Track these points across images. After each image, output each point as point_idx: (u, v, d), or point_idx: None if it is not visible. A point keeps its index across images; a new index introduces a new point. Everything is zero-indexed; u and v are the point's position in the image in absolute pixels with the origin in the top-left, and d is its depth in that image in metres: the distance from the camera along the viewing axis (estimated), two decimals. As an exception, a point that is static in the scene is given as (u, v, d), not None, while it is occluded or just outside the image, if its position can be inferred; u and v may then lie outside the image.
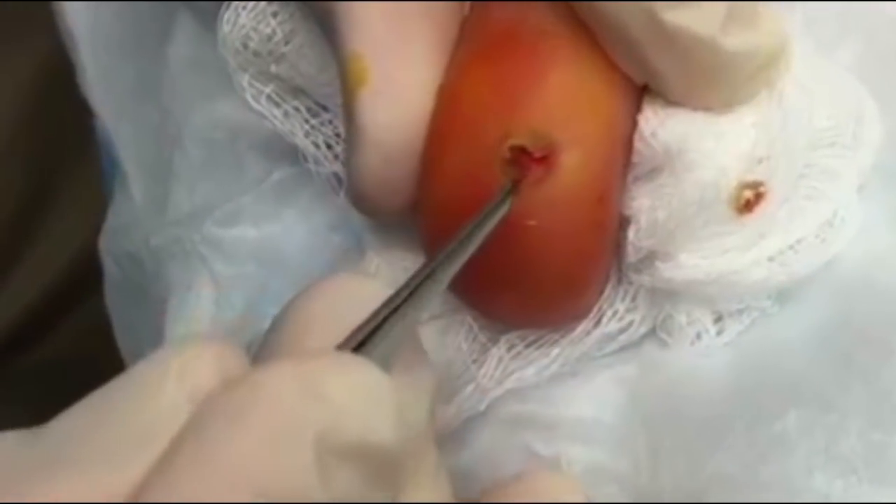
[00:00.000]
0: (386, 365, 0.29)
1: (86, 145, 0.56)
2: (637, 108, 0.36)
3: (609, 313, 0.38)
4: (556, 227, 0.34)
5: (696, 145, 0.35)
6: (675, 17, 0.33)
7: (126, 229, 0.49)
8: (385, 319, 0.30)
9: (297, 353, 0.29)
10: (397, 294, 0.30)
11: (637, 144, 0.36)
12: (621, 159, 0.36)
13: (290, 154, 0.43)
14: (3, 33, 0.61)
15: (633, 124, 0.36)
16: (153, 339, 0.46)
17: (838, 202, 0.37)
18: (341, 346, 0.29)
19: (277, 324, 0.31)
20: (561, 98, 0.34)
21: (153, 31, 0.48)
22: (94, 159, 0.55)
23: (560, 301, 0.36)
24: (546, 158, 0.34)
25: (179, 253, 0.46)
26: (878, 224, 0.38)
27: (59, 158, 0.66)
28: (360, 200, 0.37)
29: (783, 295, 0.38)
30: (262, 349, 0.31)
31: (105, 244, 0.51)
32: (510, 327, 0.38)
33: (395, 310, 0.30)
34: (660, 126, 0.36)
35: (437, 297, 0.32)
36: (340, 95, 0.36)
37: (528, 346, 0.38)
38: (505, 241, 0.34)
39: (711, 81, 0.35)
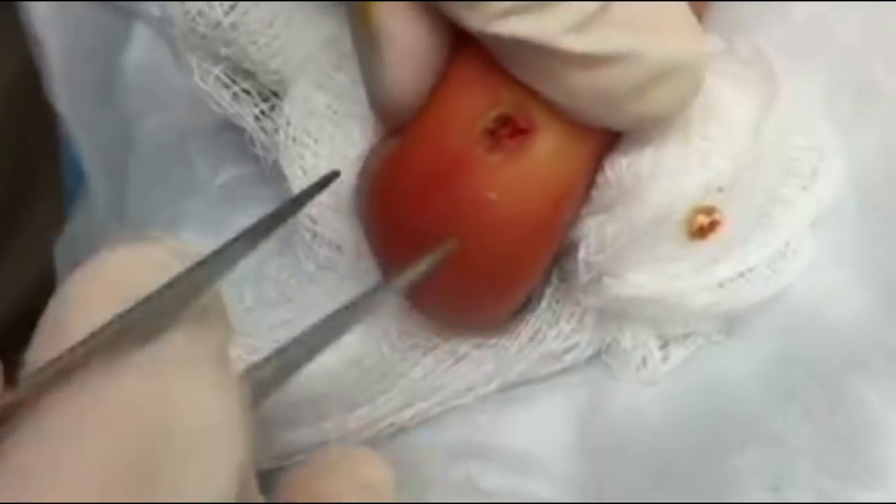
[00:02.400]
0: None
1: (55, 158, 0.56)
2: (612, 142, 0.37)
3: (552, 333, 0.38)
4: (512, 208, 0.35)
5: (654, 182, 0.36)
6: (506, 26, 0.33)
7: (82, 236, 0.50)
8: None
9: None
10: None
11: (599, 179, 0.37)
12: (584, 181, 0.36)
13: (240, 156, 0.43)
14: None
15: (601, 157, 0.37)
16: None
17: (791, 233, 0.37)
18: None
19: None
20: None
21: (112, 39, 0.48)
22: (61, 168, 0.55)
23: (489, 291, 0.36)
24: (525, 132, 0.35)
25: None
26: (826, 261, 0.38)
27: (29, 171, 0.66)
28: (392, 111, 0.36)
29: (729, 324, 0.38)
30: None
31: (60, 252, 0.51)
32: (430, 318, 0.38)
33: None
34: (626, 160, 0.36)
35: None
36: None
37: (457, 361, 0.38)
38: (459, 209, 0.34)
39: (582, 95, 0.34)
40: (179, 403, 0.26)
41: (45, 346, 0.27)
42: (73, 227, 0.50)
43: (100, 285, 0.28)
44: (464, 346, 0.39)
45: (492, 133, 0.35)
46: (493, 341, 0.39)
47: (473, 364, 0.38)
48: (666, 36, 0.34)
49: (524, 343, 0.38)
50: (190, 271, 0.28)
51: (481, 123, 0.35)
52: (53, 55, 0.50)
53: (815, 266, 0.38)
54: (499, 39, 0.34)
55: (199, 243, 0.30)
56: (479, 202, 0.34)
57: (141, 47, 0.48)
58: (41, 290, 0.65)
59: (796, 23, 0.40)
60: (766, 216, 0.37)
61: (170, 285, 0.27)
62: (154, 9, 0.47)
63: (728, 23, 0.40)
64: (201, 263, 0.28)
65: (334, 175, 0.35)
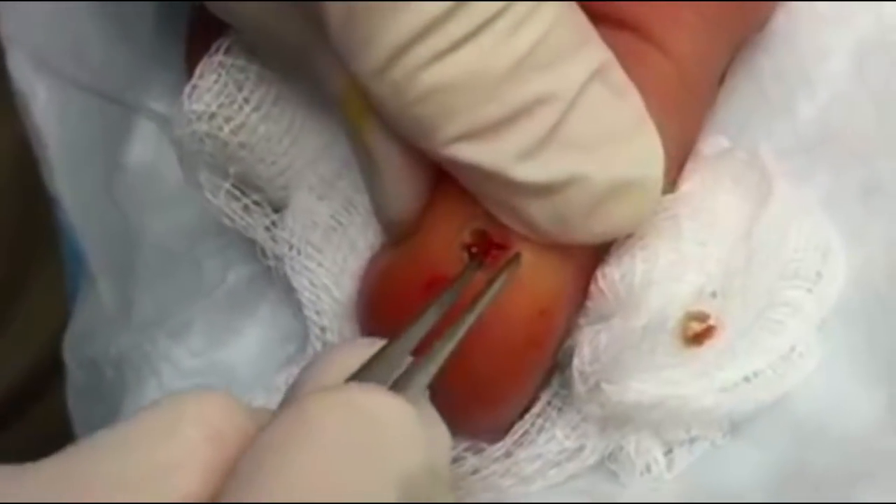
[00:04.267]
0: None
1: (55, 241, 0.58)
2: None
3: (543, 437, 0.39)
4: (495, 323, 0.36)
5: (647, 291, 0.37)
6: (456, 151, 0.35)
7: (90, 334, 0.51)
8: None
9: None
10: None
11: (593, 289, 0.38)
12: (572, 288, 0.38)
13: (248, 258, 0.45)
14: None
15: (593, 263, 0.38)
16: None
17: (797, 336, 0.38)
18: None
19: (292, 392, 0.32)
20: None
21: (114, 133, 0.50)
22: (61, 248, 0.56)
23: (472, 404, 0.38)
24: (503, 247, 0.36)
25: (135, 362, 0.48)
26: (837, 366, 0.39)
27: (29, 246, 0.68)
28: (392, 224, 0.38)
29: (735, 428, 0.39)
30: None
31: (69, 348, 0.52)
32: None
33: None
34: (618, 271, 0.38)
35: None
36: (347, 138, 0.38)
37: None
38: (442, 324, 0.35)
39: (534, 218, 0.36)
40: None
41: None
42: (80, 324, 0.52)
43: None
44: (457, 448, 0.40)
45: (469, 248, 0.36)
46: (483, 445, 0.40)
47: (461, 467, 0.40)
48: (617, 152, 0.36)
49: (509, 445, 0.40)
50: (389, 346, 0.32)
51: (459, 239, 0.36)
52: (53, 144, 0.51)
53: (821, 367, 0.39)
54: (452, 163, 0.35)
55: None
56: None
57: (143, 144, 0.50)
58: (38, 369, 0.66)
59: (803, 122, 0.41)
60: (771, 320, 0.38)
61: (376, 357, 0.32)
62: (159, 105, 0.49)
63: (736, 123, 0.41)
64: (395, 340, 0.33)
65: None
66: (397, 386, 0.31)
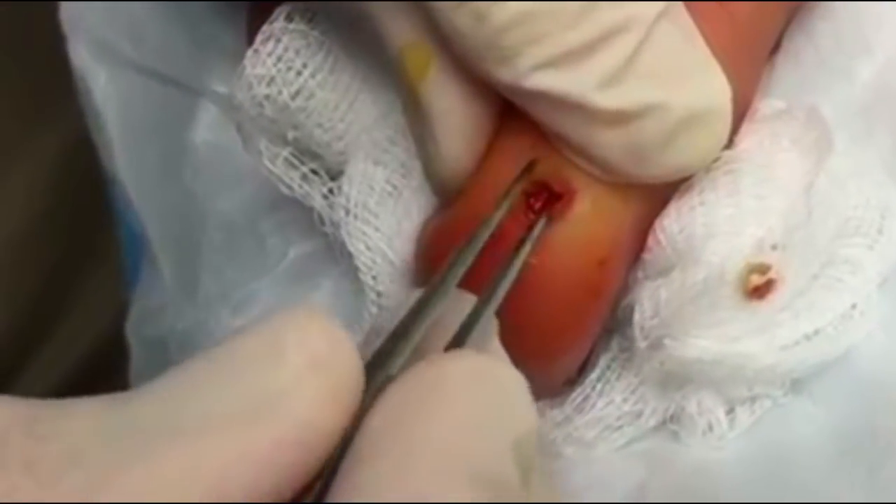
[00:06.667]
0: None
1: (110, 229, 0.60)
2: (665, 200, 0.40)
3: (602, 402, 0.41)
4: (554, 272, 0.38)
5: (708, 244, 0.38)
6: (537, 80, 0.36)
7: (155, 313, 0.53)
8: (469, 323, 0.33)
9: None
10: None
11: (651, 241, 0.40)
12: (631, 239, 0.39)
13: (308, 234, 0.47)
14: (24, 119, 0.66)
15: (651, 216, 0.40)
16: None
17: (858, 294, 0.39)
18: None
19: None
20: None
21: (177, 115, 0.52)
22: (117, 238, 0.58)
23: (532, 356, 0.38)
24: (563, 197, 0.38)
25: (200, 339, 0.50)
26: (894, 320, 0.40)
27: (83, 237, 0.70)
28: (444, 182, 0.40)
29: (797, 385, 0.40)
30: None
31: (132, 328, 0.54)
32: None
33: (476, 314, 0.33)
34: (678, 224, 0.39)
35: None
36: (401, 96, 0.39)
37: None
38: None
39: (611, 149, 0.37)
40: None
41: None
42: (142, 303, 0.54)
43: None
44: None
45: (529, 198, 0.38)
46: (542, 408, 0.41)
47: None
48: (689, 85, 0.38)
49: (569, 411, 0.41)
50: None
51: (518, 189, 0.38)
52: (114, 128, 0.53)
53: (884, 328, 0.40)
54: (529, 95, 0.37)
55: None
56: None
57: (207, 125, 0.52)
58: (97, 355, 0.68)
59: (861, 83, 0.42)
60: (831, 277, 0.40)
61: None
62: (220, 86, 0.51)
63: (792, 84, 0.43)
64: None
65: None
66: (466, 329, 0.33)
